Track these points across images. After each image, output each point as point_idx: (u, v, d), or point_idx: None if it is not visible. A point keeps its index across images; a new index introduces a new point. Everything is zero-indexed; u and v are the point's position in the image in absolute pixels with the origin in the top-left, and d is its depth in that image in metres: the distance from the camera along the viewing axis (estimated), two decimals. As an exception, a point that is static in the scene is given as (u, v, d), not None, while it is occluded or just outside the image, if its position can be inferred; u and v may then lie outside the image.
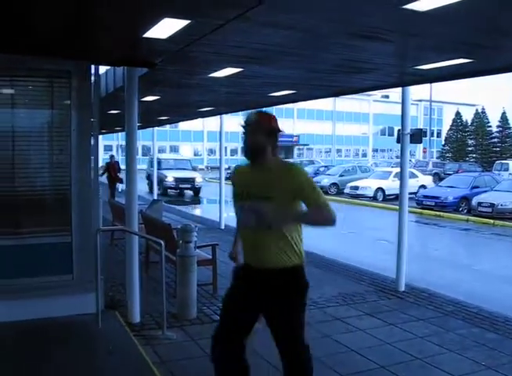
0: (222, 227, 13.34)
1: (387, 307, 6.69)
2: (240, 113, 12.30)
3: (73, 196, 5.83)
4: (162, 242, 5.40)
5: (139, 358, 4.78)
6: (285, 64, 6.44)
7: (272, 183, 3.29)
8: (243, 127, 3.42)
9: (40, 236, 5.73)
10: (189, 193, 27.53)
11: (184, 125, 53.53)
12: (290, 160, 3.56)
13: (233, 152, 55.48)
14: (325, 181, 29.58)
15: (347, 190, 27.06)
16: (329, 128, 69.13)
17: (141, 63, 5.95)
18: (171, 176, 26.63)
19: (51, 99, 5.88)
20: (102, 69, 8.78)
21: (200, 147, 64.07)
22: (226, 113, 13.99)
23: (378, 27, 4.57)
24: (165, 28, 4.62)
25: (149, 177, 26.98)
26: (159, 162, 25.09)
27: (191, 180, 27.04)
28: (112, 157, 20.51)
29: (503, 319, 6.29)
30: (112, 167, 19.26)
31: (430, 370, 4.74)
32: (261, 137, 3.36)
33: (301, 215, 3.39)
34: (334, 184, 29.61)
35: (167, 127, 49.05)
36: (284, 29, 4.70)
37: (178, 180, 26.56)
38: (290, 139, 61.86)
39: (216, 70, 6.95)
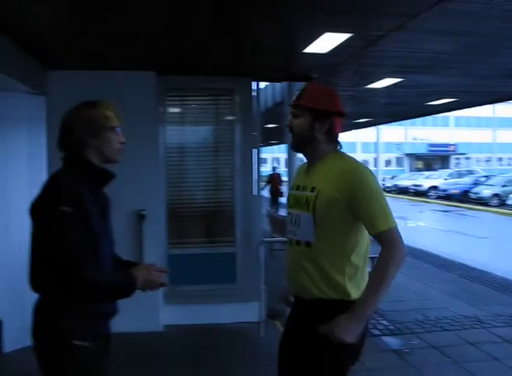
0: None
1: None
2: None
3: (237, 208, 6.09)
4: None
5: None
6: (449, 72, 6.21)
7: (316, 189, 2.37)
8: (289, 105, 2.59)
9: (209, 246, 6.08)
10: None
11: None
12: (355, 158, 2.47)
13: (387, 163, 54.40)
14: (485, 192, 27.86)
15: (510, 201, 25.23)
16: (489, 136, 65.11)
17: (300, 77, 6.07)
18: None
19: (216, 115, 6.22)
20: (262, 84, 9.10)
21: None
22: (382, 123, 13.78)
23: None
24: (326, 43, 4.67)
25: None
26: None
27: None
28: (274, 168, 19.00)
29: None
30: (274, 179, 18.08)
31: None
32: (307, 121, 2.42)
33: (362, 305, 2.26)
34: (496, 195, 27.77)
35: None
36: (450, 35, 4.54)
37: None
38: (447, 149, 59.24)
39: (374, 82, 6.88)
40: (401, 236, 2.29)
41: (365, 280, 2.38)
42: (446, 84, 7.22)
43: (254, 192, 6.18)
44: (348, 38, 4.51)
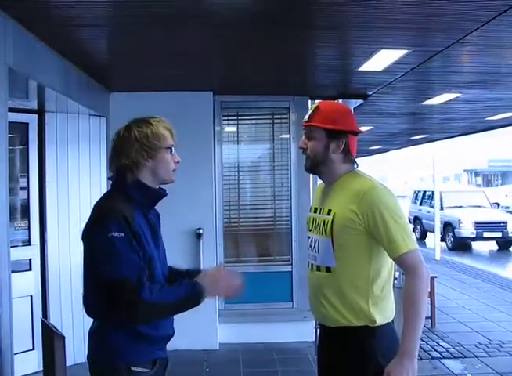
0: (437, 258, 12.75)
1: None
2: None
3: (294, 226, 6.11)
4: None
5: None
6: (508, 86, 6.04)
7: (332, 211, 2.29)
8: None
9: (265, 264, 6.12)
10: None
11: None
12: (372, 177, 2.38)
13: (445, 179, 53.19)
14: None
15: None
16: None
17: (355, 95, 6.05)
18: (468, 220, 15.10)
19: (271, 134, 6.27)
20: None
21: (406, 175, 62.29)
22: (437, 140, 13.50)
23: None
24: (381, 60, 4.64)
25: (416, 220, 18.00)
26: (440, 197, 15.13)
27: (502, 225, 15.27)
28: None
29: None
30: None
31: None
32: (321, 142, 2.33)
33: (407, 342, 2.15)
34: None
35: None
36: (510, 48, 4.42)
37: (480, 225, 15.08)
38: (509, 164, 57.40)
39: (430, 98, 6.77)
40: (422, 259, 2.20)
41: (390, 303, 2.33)
42: (506, 99, 7.01)
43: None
44: (404, 55, 4.46)
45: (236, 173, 6.21)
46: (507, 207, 31.73)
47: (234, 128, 6.33)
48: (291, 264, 6.10)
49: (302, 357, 5.58)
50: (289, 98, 6.11)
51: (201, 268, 5.61)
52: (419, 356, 4.95)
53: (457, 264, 11.45)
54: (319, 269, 2.34)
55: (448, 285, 9.14)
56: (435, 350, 5.72)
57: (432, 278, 6.85)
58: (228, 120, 6.28)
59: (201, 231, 5.74)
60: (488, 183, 54.42)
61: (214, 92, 5.88)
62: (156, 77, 5.28)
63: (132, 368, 2.08)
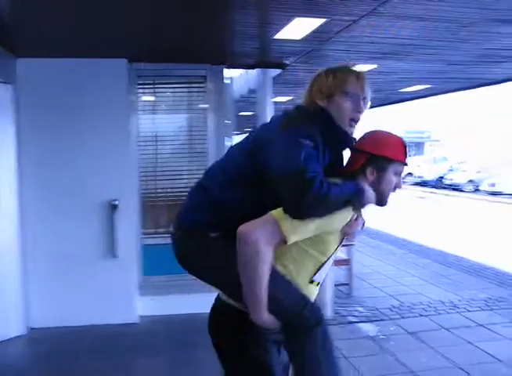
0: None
1: (538, 314, 6.18)
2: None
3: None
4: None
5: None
6: (421, 58, 6.20)
7: None
8: None
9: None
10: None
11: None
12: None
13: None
14: (459, 178, 28.27)
15: (484, 187, 25.67)
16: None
17: (273, 64, 6.02)
18: None
19: (188, 103, 6.14)
20: (237, 72, 9.02)
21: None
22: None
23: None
24: (297, 29, 4.63)
25: None
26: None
27: None
28: None
29: None
30: None
31: None
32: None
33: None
34: (471, 181, 28.18)
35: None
36: (421, 20, 4.53)
37: None
38: (421, 135, 59.69)
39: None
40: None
41: None
42: (419, 71, 7.22)
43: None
44: (321, 24, 4.47)
45: (153, 143, 6.03)
46: (420, 177, 33.13)
47: (150, 97, 6.15)
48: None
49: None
50: (206, 66, 5.97)
51: (114, 243, 5.55)
52: (337, 321, 5.03)
53: (373, 231, 11.83)
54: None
55: (365, 252, 9.45)
56: (353, 315, 5.91)
57: (349, 246, 7.06)
58: (144, 89, 6.07)
59: (117, 203, 5.58)
60: (405, 154, 56.33)
61: (129, 59, 5.65)
62: (66, 43, 5.00)
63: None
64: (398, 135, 2.34)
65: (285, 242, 2.05)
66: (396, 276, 7.86)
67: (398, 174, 2.26)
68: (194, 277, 2.30)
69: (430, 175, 32.47)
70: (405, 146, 2.29)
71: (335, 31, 4.81)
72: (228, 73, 6.26)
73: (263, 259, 2.01)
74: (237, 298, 2.19)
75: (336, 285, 6.36)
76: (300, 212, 2.01)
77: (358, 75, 2.25)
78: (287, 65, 6.08)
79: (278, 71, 6.51)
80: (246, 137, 2.31)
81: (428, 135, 60.58)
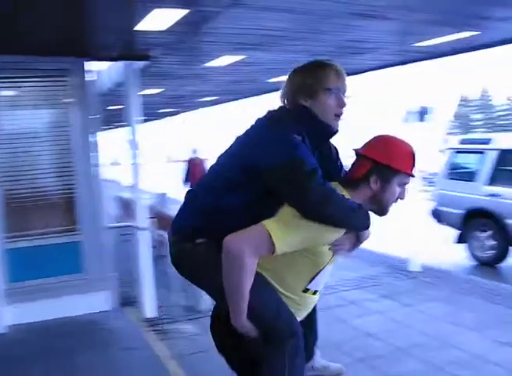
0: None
1: (403, 288, 6.62)
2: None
3: (80, 195, 5.81)
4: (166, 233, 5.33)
5: (152, 353, 4.76)
6: (287, 49, 6.35)
7: None
8: None
9: (52, 236, 5.72)
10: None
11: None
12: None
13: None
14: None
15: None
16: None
17: (138, 56, 5.86)
18: None
19: (51, 98, 5.84)
20: (104, 64, 8.71)
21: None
22: (228, 101, 13.92)
23: (380, 6, 4.49)
24: (160, 20, 4.55)
25: None
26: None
27: None
28: (195, 152, 12.80)
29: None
30: (195, 165, 12.36)
31: (448, 351, 4.67)
32: None
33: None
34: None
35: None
36: (283, 12, 4.61)
37: None
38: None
39: (214, 59, 6.86)
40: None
41: None
42: (286, 62, 7.37)
43: (96, 177, 5.93)
44: (182, 15, 4.42)
45: (14, 141, 5.65)
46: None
47: (9, 92, 5.77)
48: (80, 233, 5.82)
49: (96, 328, 5.45)
50: (69, 59, 5.67)
51: None
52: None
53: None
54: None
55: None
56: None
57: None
58: (2, 83, 5.68)
59: (-25, 205, 5.20)
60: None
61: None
62: None
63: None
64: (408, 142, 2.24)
65: (272, 252, 2.04)
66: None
67: (402, 185, 2.20)
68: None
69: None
70: (414, 156, 2.20)
71: (200, 22, 4.78)
72: (94, 66, 6.01)
73: (246, 270, 2.02)
74: (220, 303, 2.26)
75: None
76: (309, 205, 2.02)
77: (337, 70, 2.23)
78: (153, 57, 5.95)
79: (145, 63, 6.36)
80: (234, 142, 2.30)
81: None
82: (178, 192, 11.17)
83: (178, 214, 2.36)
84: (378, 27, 5.36)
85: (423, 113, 7.93)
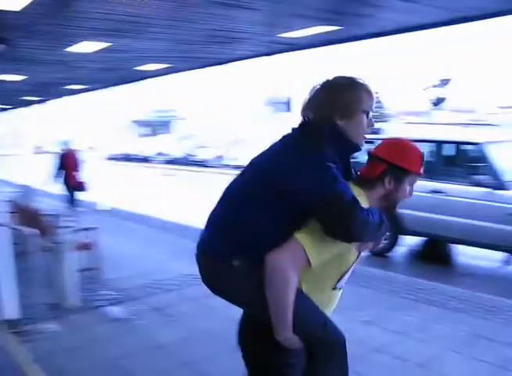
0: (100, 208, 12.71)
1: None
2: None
3: None
4: (31, 229, 5.07)
5: (9, 358, 4.46)
6: (150, 36, 6.23)
7: None
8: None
9: None
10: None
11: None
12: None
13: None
14: (204, 155, 29.82)
15: (228, 162, 27.49)
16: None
17: (-6, 39, 5.49)
18: None
19: None
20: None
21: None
22: (97, 89, 13.48)
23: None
24: (17, -1, 4.27)
25: None
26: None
27: None
28: (66, 143, 10.94)
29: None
30: (68, 159, 10.67)
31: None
32: None
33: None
34: (220, 157, 29.78)
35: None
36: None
37: None
38: (171, 114, 60.97)
39: (76, 44, 6.57)
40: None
41: None
42: (152, 50, 7.26)
43: None
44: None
45: None
46: (167, 155, 33.94)
47: None
48: None
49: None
50: None
51: None
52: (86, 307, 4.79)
53: (117, 211, 11.79)
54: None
55: (114, 234, 9.28)
56: (101, 299, 5.76)
57: (94, 229, 6.84)
58: None
59: None
60: (154, 132, 57.23)
61: None
62: None
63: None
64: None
65: (309, 264, 2.16)
66: (142, 253, 7.88)
67: (411, 184, 2.36)
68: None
69: (178, 153, 33.46)
70: (423, 158, 2.37)
71: (57, 5, 4.54)
72: None
73: (290, 285, 2.15)
74: (261, 318, 2.27)
75: (82, 270, 6.13)
76: (350, 234, 2.12)
77: (369, 91, 2.25)
78: (10, 40, 5.58)
79: (1, 46, 5.96)
80: (262, 158, 2.27)
81: (174, 113, 61.99)
82: (45, 184, 10.69)
83: (207, 234, 2.32)
84: (244, 17, 5.41)
85: (289, 104, 8.13)
